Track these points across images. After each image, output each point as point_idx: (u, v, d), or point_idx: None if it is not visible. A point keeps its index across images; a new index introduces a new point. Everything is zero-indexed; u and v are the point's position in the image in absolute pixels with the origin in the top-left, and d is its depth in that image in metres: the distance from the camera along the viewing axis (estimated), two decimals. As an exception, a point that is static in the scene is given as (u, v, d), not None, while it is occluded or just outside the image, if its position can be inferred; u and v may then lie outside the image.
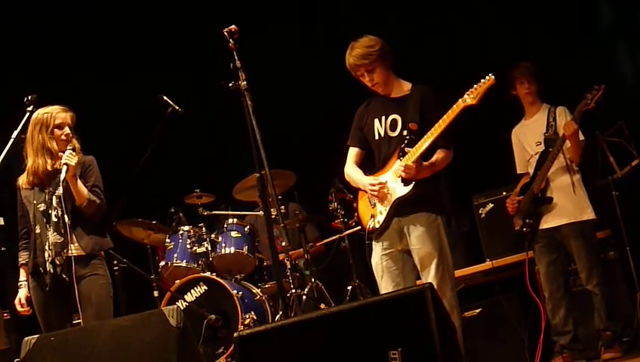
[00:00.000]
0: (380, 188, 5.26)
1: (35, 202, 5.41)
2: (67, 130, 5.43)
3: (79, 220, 5.38)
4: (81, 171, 5.45)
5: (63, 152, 5.34)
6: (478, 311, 6.55)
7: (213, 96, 6.90)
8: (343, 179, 5.90)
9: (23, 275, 5.48)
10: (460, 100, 5.06)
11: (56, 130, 5.40)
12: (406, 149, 5.19)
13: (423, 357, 3.54)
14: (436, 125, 5.08)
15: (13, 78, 8.56)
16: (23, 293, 5.43)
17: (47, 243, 5.29)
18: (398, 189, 5.22)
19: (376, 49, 5.28)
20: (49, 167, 5.38)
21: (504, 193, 6.75)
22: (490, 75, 5.02)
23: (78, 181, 5.35)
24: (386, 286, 5.27)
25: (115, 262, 6.80)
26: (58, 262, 5.23)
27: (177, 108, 7.11)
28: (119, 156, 7.82)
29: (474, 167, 7.20)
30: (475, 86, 5.04)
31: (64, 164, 5.24)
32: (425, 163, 5.18)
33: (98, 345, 4.12)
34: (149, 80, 8.93)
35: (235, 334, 3.94)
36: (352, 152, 5.58)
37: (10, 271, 5.46)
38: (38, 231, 5.38)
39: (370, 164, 5.49)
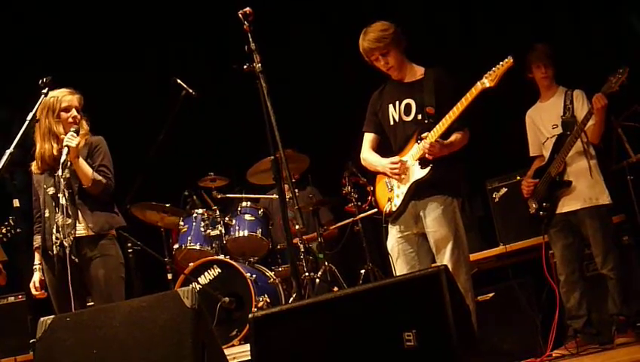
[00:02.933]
0: (400, 165, 5.27)
1: (44, 186, 5.43)
2: (74, 112, 5.43)
3: (86, 201, 5.37)
4: (88, 152, 5.45)
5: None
6: (491, 295, 6.53)
7: (227, 79, 6.90)
8: (356, 162, 5.91)
9: (37, 259, 5.48)
10: (479, 83, 5.06)
11: (62, 113, 5.40)
12: (422, 135, 5.19)
13: (438, 339, 3.54)
14: (454, 108, 5.09)
15: (30, 62, 8.60)
16: (37, 277, 5.44)
17: (54, 226, 5.30)
18: (416, 172, 5.25)
19: (389, 32, 5.30)
20: (55, 152, 5.38)
21: (518, 177, 6.73)
22: (509, 57, 5.01)
23: (82, 162, 5.32)
24: (401, 269, 5.30)
25: (129, 244, 6.83)
26: (66, 244, 5.22)
27: (191, 91, 7.13)
28: (133, 139, 7.84)
29: (487, 152, 7.19)
30: (493, 68, 5.04)
31: (65, 146, 5.25)
32: (445, 141, 5.20)
33: (114, 325, 4.11)
34: (162, 63, 8.95)
35: (250, 315, 3.94)
36: (368, 138, 5.59)
37: (26, 253, 5.47)
38: (47, 214, 5.40)
39: (386, 150, 5.49)
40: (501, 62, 5.05)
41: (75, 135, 5.28)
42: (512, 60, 5.02)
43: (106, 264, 5.35)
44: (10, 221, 6.38)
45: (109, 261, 5.38)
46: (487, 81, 5.05)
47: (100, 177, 5.38)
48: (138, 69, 9.11)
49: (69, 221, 5.24)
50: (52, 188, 5.38)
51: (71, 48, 8.84)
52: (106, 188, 5.42)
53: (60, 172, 5.26)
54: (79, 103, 5.47)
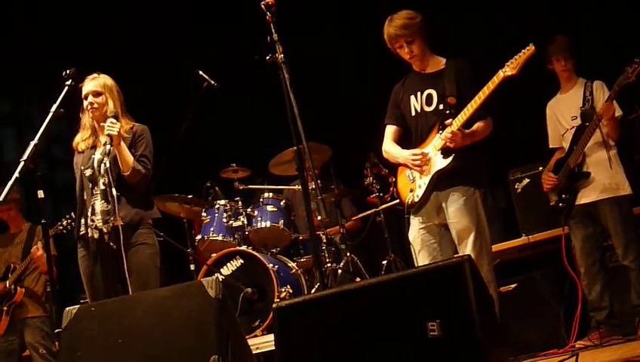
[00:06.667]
0: (422, 157, 5.27)
1: (82, 167, 5.46)
2: (90, 98, 5.43)
3: (122, 189, 5.35)
4: (131, 140, 5.47)
5: (99, 123, 5.40)
6: (513, 286, 6.53)
7: (249, 70, 6.91)
8: (378, 153, 5.91)
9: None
10: (500, 71, 5.07)
11: (84, 101, 5.45)
12: (446, 122, 5.19)
13: (462, 328, 3.53)
14: (476, 97, 5.10)
15: (55, 54, 8.66)
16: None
17: (90, 209, 5.33)
18: (438, 162, 5.25)
19: (417, 21, 5.31)
20: (90, 141, 5.49)
21: (540, 168, 6.71)
22: (530, 44, 5.02)
23: (124, 148, 5.34)
24: (423, 259, 5.31)
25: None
26: (105, 230, 5.23)
27: (213, 82, 7.14)
28: (156, 131, 7.84)
29: (510, 142, 7.17)
30: (515, 56, 5.04)
31: (107, 135, 5.25)
32: (467, 130, 5.19)
33: (138, 315, 4.13)
34: (184, 54, 8.97)
35: (274, 305, 3.94)
36: (390, 130, 5.60)
37: (49, 243, 5.47)
38: (85, 196, 5.43)
39: (408, 142, 5.49)
40: (523, 50, 5.06)
41: (114, 121, 5.30)
42: (533, 48, 5.04)
43: (142, 252, 5.38)
44: (72, 215, 6.45)
45: (145, 249, 5.40)
46: (508, 69, 5.06)
47: (139, 166, 5.40)
48: (160, 60, 9.13)
49: (109, 207, 5.23)
50: (89, 170, 5.40)
51: (94, 40, 8.88)
52: (144, 179, 5.44)
53: (103, 157, 5.25)
54: (100, 87, 5.46)
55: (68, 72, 5.20)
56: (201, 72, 7.16)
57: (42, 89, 6.18)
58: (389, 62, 5.57)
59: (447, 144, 5.18)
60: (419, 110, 5.43)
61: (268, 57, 4.86)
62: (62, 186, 8.02)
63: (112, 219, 5.23)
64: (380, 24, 5.42)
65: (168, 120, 7.38)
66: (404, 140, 5.54)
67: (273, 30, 4.89)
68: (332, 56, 8.71)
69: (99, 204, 5.27)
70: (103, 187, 5.24)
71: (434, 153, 5.29)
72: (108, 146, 5.22)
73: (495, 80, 5.09)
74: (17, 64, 8.86)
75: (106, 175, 5.22)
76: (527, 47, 5.05)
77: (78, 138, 5.57)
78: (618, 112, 5.99)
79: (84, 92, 5.45)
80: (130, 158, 5.35)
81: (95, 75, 5.50)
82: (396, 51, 5.42)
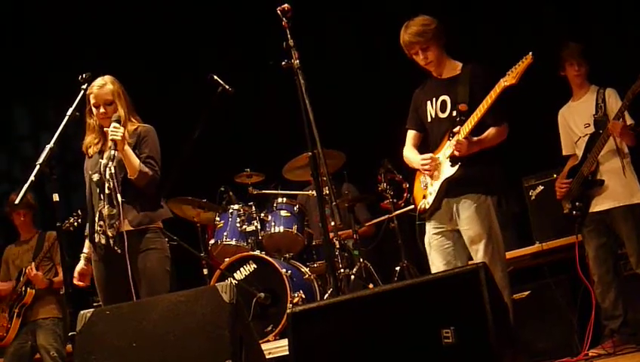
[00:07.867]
0: (430, 161, 5.27)
1: (90, 172, 5.41)
2: (102, 109, 5.33)
3: (129, 193, 5.25)
4: (135, 141, 5.36)
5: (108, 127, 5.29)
6: (527, 293, 6.52)
7: (264, 75, 6.93)
8: (392, 159, 5.90)
9: (85, 247, 5.48)
10: (501, 80, 5.06)
11: (94, 109, 5.37)
12: (454, 130, 5.19)
13: (476, 336, 3.53)
14: (480, 105, 5.09)
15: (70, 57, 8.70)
16: (80, 265, 5.43)
17: (98, 214, 5.27)
18: (446, 170, 5.25)
19: (431, 27, 5.29)
20: (99, 145, 5.42)
21: (554, 175, 6.69)
22: (529, 53, 5.00)
23: (130, 153, 5.23)
24: (437, 264, 5.29)
25: (166, 239, 6.85)
26: (110, 235, 5.18)
27: (227, 87, 7.14)
28: (170, 135, 7.86)
29: (525, 149, 7.16)
30: (515, 65, 5.03)
31: (111, 140, 5.18)
32: (474, 138, 5.18)
33: (152, 319, 4.14)
34: (199, 59, 8.99)
35: (288, 311, 3.96)
36: (410, 135, 5.61)
37: (63, 246, 5.48)
38: (93, 201, 5.38)
39: (427, 147, 5.50)
40: (521, 60, 5.04)
41: (117, 125, 5.21)
42: (531, 56, 5.00)
43: (150, 257, 5.27)
44: (79, 212, 6.48)
45: (153, 254, 5.29)
46: (508, 79, 5.04)
47: (146, 169, 5.27)
48: (175, 65, 9.16)
49: (114, 211, 5.19)
50: (96, 175, 5.33)
51: (109, 43, 8.91)
52: (152, 181, 5.31)
53: (105, 161, 5.20)
54: (110, 95, 5.35)
55: (84, 75, 5.20)
56: (215, 77, 7.16)
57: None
58: (404, 67, 5.57)
59: (454, 152, 5.18)
60: (434, 116, 5.43)
61: (283, 62, 4.86)
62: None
63: (116, 223, 5.18)
64: (395, 29, 5.42)
65: (183, 124, 7.41)
66: (426, 145, 5.55)
67: (289, 36, 4.90)
68: (347, 61, 8.71)
69: (105, 209, 5.22)
70: (108, 191, 5.19)
71: (443, 160, 5.29)
72: (112, 151, 5.16)
73: (497, 89, 5.06)
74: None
75: (111, 179, 5.16)
76: (526, 57, 5.01)
77: (87, 142, 5.52)
78: (629, 121, 5.98)
79: (93, 100, 5.33)
80: (135, 162, 5.24)
81: (101, 81, 5.37)
82: (412, 57, 5.42)
